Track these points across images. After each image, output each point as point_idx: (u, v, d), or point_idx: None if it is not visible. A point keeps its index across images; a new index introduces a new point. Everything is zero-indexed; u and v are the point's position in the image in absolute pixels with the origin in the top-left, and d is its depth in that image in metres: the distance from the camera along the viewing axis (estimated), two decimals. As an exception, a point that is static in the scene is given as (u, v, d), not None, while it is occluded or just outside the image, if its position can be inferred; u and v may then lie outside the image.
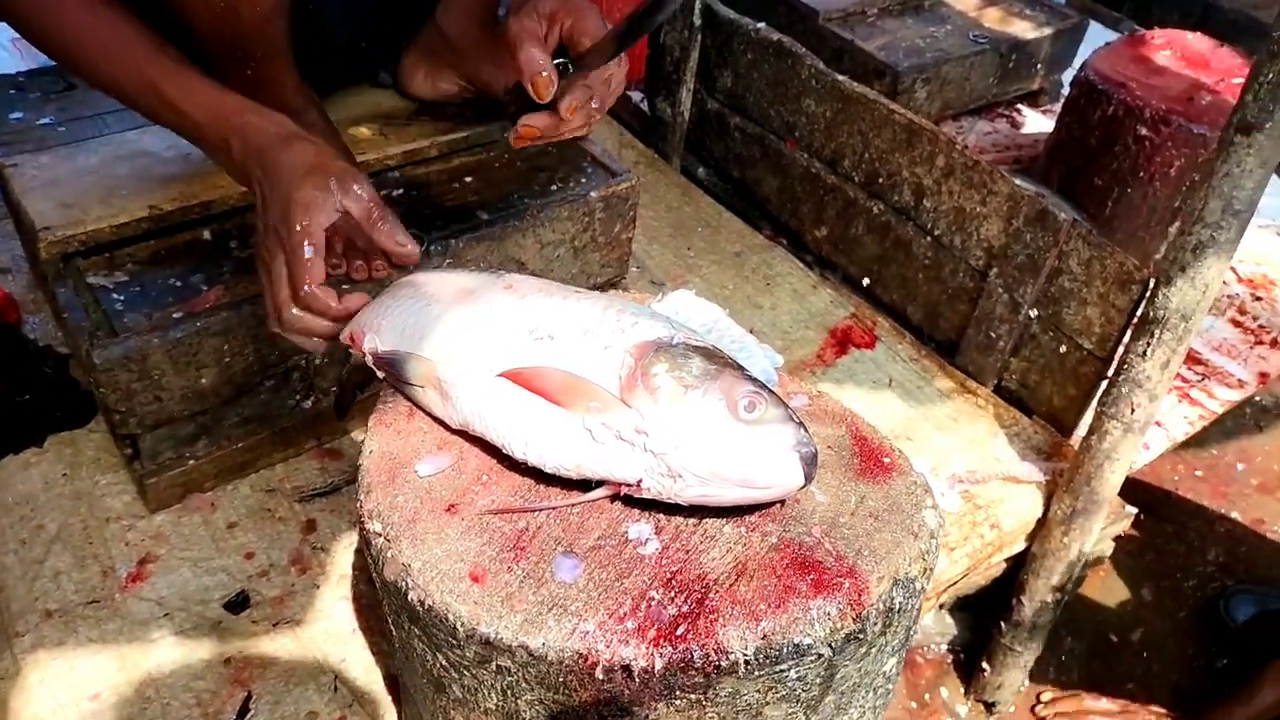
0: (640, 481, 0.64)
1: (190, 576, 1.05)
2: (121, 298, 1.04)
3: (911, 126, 1.37)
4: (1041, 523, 1.24)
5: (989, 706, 1.39)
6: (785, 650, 0.61)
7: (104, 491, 1.12)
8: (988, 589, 1.35)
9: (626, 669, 0.59)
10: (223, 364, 1.05)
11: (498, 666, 0.61)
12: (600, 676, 0.59)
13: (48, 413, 1.18)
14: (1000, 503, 1.23)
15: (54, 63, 0.94)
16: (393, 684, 0.97)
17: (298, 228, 0.77)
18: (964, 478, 1.26)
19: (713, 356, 0.66)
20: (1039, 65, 1.99)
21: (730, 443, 0.62)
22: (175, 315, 1.03)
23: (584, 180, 1.27)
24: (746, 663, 0.60)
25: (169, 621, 1.01)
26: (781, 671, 0.62)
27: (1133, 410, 1.12)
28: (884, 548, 0.66)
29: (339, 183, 0.78)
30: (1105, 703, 1.34)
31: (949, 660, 1.44)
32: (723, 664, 0.60)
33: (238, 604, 1.03)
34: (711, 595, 0.62)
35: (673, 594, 0.62)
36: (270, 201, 0.80)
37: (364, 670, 0.99)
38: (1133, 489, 1.28)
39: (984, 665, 1.37)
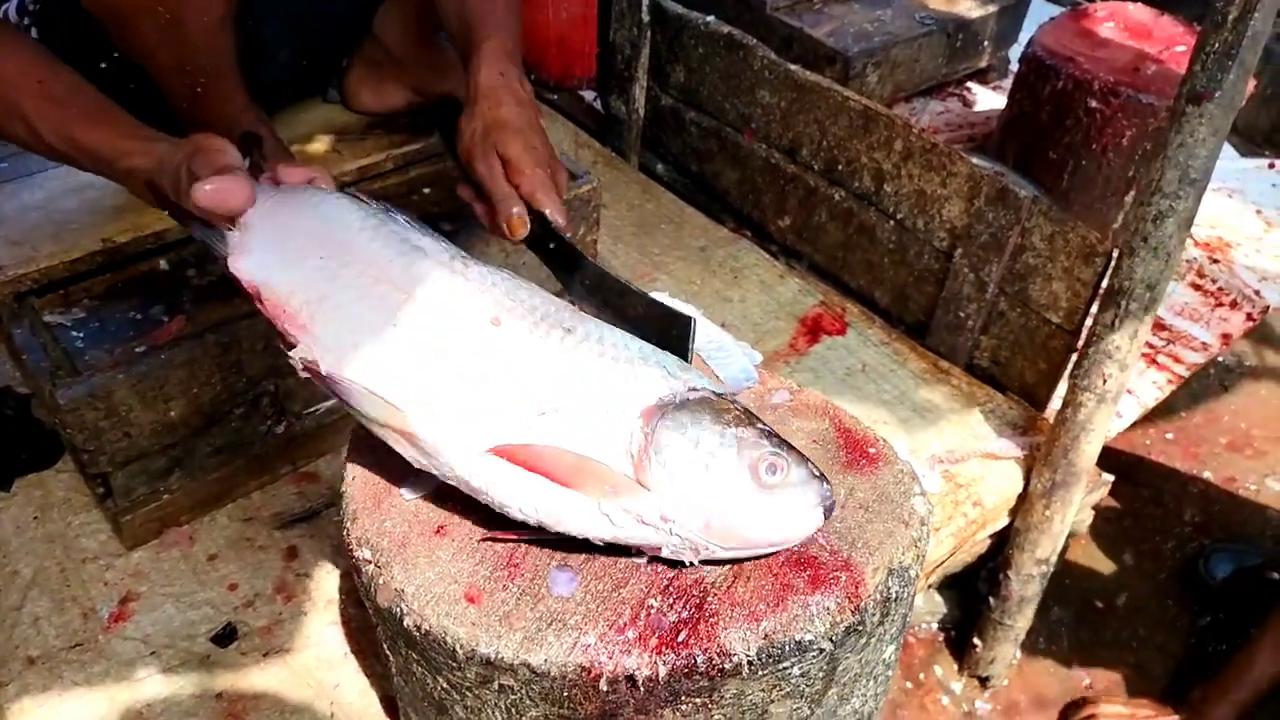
0: (662, 550, 0.62)
1: (174, 612, 1.03)
2: (81, 334, 1.02)
3: (867, 112, 1.37)
4: (1023, 497, 1.26)
5: (983, 681, 1.40)
6: (787, 648, 0.61)
7: (78, 532, 1.10)
8: (974, 566, 1.37)
9: (631, 679, 0.59)
10: (190, 395, 1.03)
11: (500, 685, 0.61)
12: (605, 688, 0.59)
13: (12, 456, 1.15)
14: (981, 480, 1.25)
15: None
16: (390, 706, 0.96)
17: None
18: (944, 458, 1.27)
19: (720, 411, 0.63)
20: (986, 43, 2.01)
21: (757, 514, 0.61)
22: (138, 349, 1.01)
23: (546, 185, 1.26)
24: (750, 663, 0.60)
25: (156, 660, 0.99)
26: (785, 669, 0.62)
27: (1104, 381, 1.13)
28: (877, 539, 0.67)
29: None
30: (1119, 705, 1.35)
31: (941, 638, 1.46)
32: (726, 666, 0.60)
33: (225, 637, 1.01)
34: (710, 599, 0.62)
35: (671, 600, 0.62)
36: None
37: (359, 694, 0.98)
38: (1107, 456, 1.29)
39: (975, 641, 1.39)
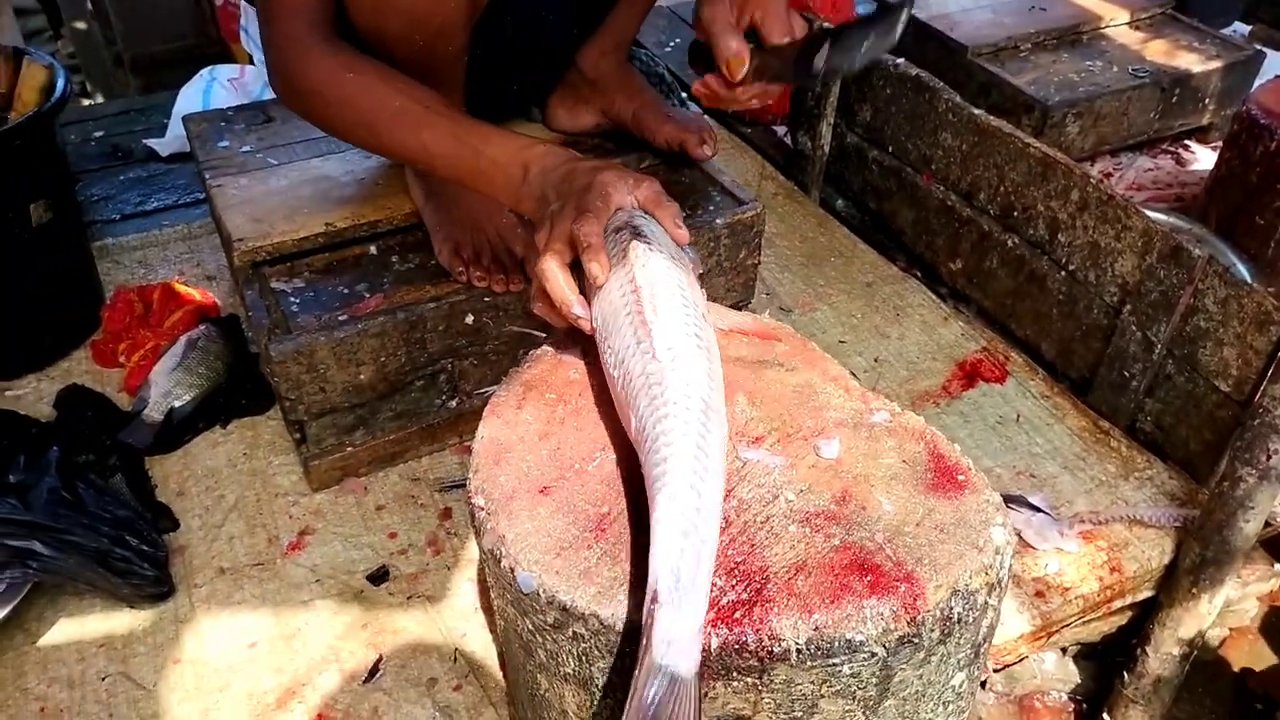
0: None
1: (340, 549, 1.18)
2: (297, 301, 1.20)
3: (1046, 160, 1.36)
4: (1170, 571, 1.20)
5: (1109, 759, 1.33)
6: (837, 644, 0.65)
7: (275, 470, 1.28)
8: (1114, 638, 1.31)
9: (686, 645, 0.65)
10: (379, 363, 1.18)
11: (574, 633, 0.68)
12: (662, 650, 0.65)
13: (235, 401, 1.35)
14: (1124, 547, 1.20)
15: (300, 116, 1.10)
16: (505, 660, 1.06)
17: (599, 200, 0.85)
18: (1087, 518, 1.23)
19: None
20: (1207, 100, 1.91)
21: None
22: (340, 318, 1.17)
23: (712, 208, 1.35)
24: (798, 651, 0.65)
25: (319, 587, 1.14)
26: (835, 665, 0.66)
27: (1269, 457, 1.07)
28: (945, 558, 0.69)
29: (631, 175, 0.89)
30: None
31: (1071, 709, 1.39)
32: (775, 650, 0.65)
33: (379, 577, 1.15)
34: (769, 587, 0.67)
35: (734, 582, 0.67)
36: (565, 199, 0.89)
37: (481, 645, 1.09)
38: (1289, 547, 1.21)
39: (1105, 717, 1.32)
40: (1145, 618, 1.24)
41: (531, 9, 1.23)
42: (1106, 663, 1.37)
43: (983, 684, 1.28)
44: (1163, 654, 1.22)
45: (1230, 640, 1.42)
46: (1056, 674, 1.42)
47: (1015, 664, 1.30)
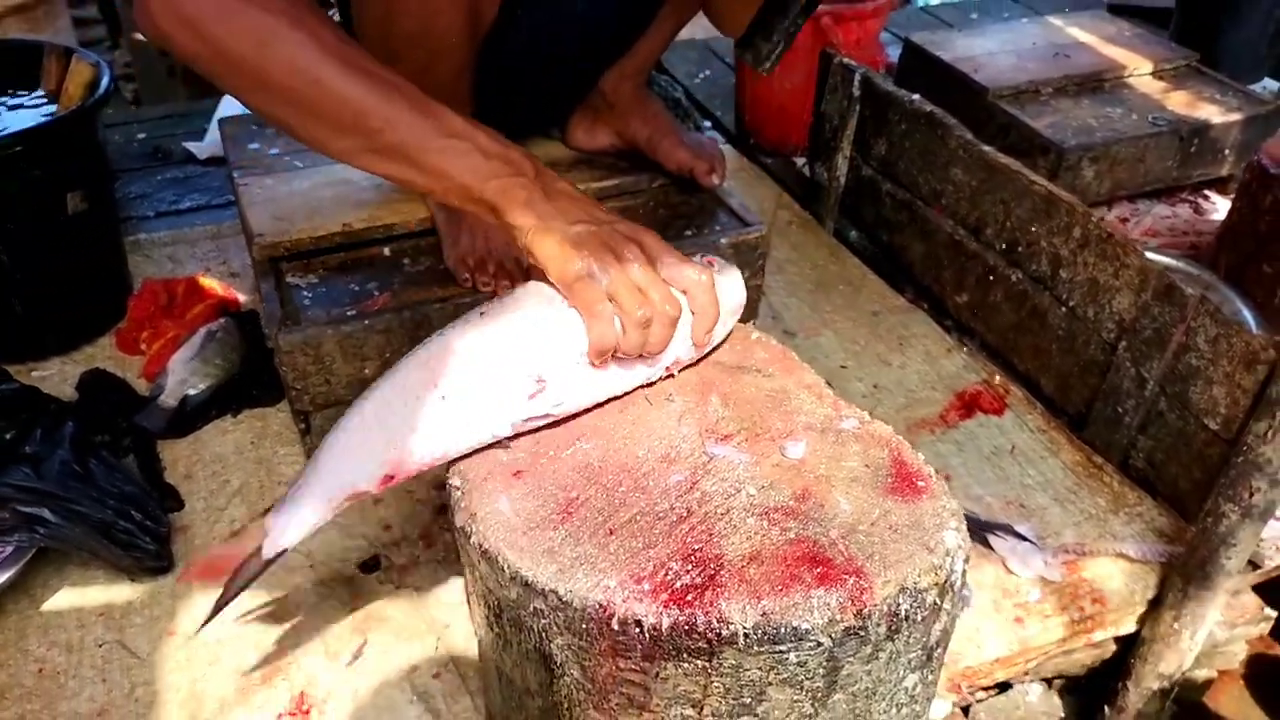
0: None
1: (335, 537, 1.22)
2: (310, 296, 1.25)
3: (1050, 197, 1.38)
4: (1154, 605, 1.20)
5: (1090, 797, 1.32)
6: (784, 630, 0.67)
7: (280, 460, 1.32)
8: (1098, 671, 1.31)
9: (639, 623, 0.67)
10: (384, 359, 1.22)
11: (534, 609, 0.71)
12: (615, 627, 0.68)
13: (247, 391, 1.40)
14: (1108, 579, 1.21)
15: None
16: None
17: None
18: (1072, 548, 1.24)
19: None
20: (1227, 151, 1.92)
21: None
22: (349, 313, 1.21)
23: (718, 228, 1.38)
24: (745, 636, 0.67)
25: (312, 571, 1.17)
26: (782, 652, 0.68)
27: (1251, 495, 1.08)
28: (896, 556, 0.71)
29: None
30: None
31: (1053, 744, 1.39)
32: (723, 633, 0.67)
33: (370, 565, 1.18)
34: (722, 573, 0.69)
35: (689, 567, 0.70)
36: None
37: (463, 638, 1.11)
38: None
39: (1088, 752, 1.31)
40: (1128, 652, 1.24)
41: (550, 27, 1.28)
42: (1090, 697, 1.37)
43: (966, 711, 1.28)
44: (1143, 689, 1.22)
45: (1218, 683, 1.41)
46: (1041, 706, 1.41)
47: (998, 692, 1.30)
